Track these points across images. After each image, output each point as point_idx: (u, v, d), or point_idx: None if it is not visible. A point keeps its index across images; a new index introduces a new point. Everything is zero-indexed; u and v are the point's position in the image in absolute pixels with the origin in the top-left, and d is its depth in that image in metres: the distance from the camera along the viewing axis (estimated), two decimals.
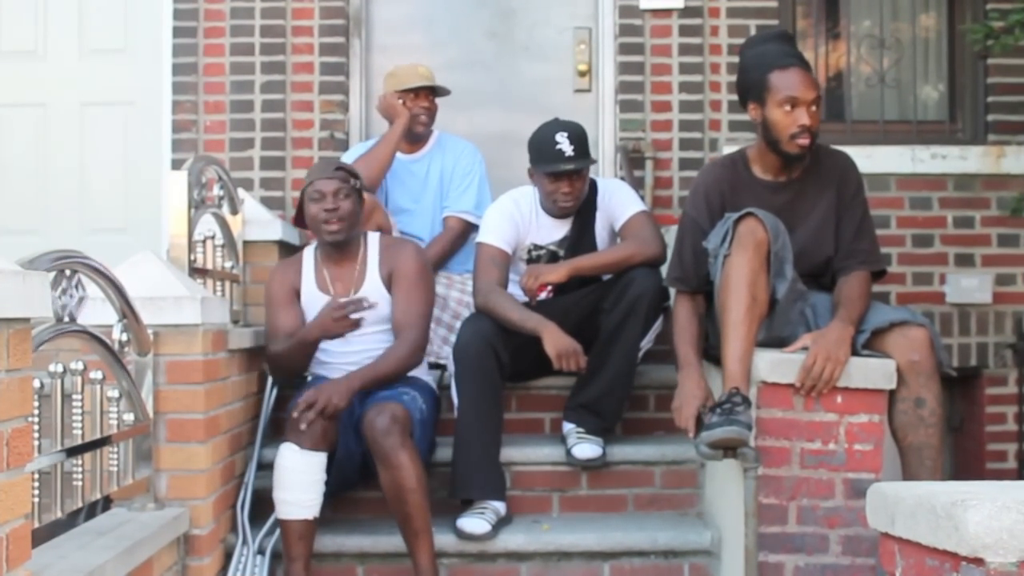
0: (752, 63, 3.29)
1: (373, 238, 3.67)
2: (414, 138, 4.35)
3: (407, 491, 3.22)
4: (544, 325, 3.55)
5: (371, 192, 4.21)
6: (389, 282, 3.57)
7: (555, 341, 3.51)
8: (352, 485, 3.51)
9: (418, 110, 4.29)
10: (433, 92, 4.34)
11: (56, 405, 2.44)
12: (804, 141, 3.19)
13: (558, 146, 3.67)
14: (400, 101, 4.28)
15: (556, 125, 3.76)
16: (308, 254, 3.69)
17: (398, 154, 4.35)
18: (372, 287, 3.57)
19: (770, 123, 3.22)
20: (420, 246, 3.81)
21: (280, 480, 3.29)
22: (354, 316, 3.50)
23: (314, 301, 3.59)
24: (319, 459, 3.29)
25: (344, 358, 3.55)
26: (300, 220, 3.66)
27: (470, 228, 4.24)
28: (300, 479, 3.27)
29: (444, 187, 4.34)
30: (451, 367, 3.65)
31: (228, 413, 3.36)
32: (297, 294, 3.62)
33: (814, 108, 3.19)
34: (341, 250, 3.59)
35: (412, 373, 3.55)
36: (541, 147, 3.72)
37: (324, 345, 3.58)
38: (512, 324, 3.58)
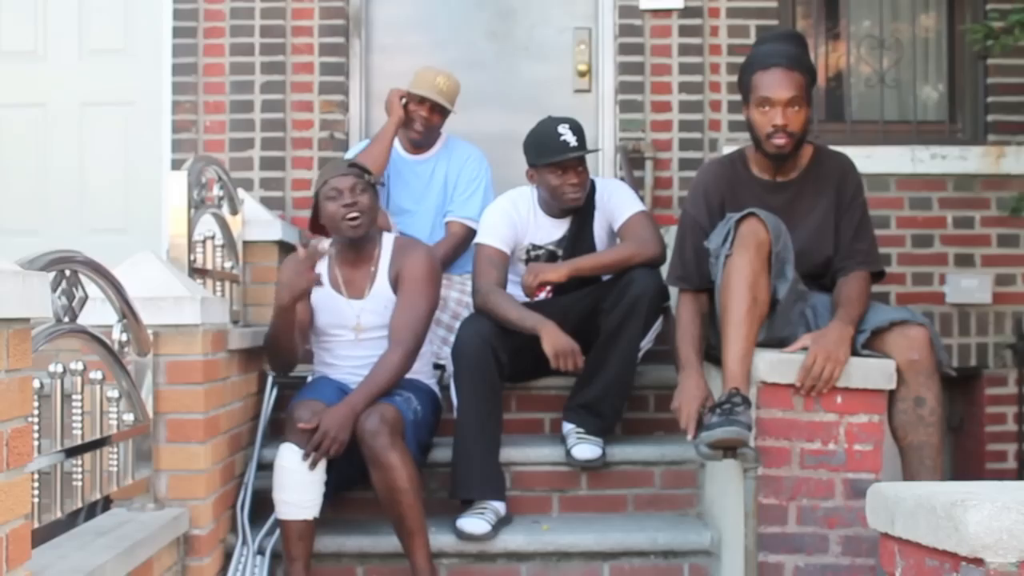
0: (746, 63, 3.30)
1: (388, 240, 3.62)
2: (418, 140, 4.33)
3: (398, 491, 3.22)
4: (543, 324, 3.54)
5: None
6: (396, 284, 3.54)
7: (553, 340, 3.51)
8: (353, 483, 3.49)
9: (416, 116, 4.27)
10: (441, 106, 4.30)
11: (56, 405, 2.44)
12: (779, 141, 3.19)
13: (562, 137, 3.68)
14: (403, 101, 4.27)
15: (554, 120, 3.76)
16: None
17: (404, 154, 4.35)
18: (381, 290, 3.54)
19: (751, 123, 3.24)
20: (432, 249, 3.72)
21: (280, 481, 3.28)
22: (314, 251, 3.37)
23: (326, 300, 3.56)
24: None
25: (351, 361, 3.54)
26: (316, 224, 3.59)
27: (472, 234, 4.22)
28: (300, 480, 3.26)
29: (448, 191, 4.32)
30: (450, 367, 3.65)
31: (228, 413, 3.36)
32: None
33: (795, 108, 3.17)
34: (358, 250, 3.55)
35: (413, 375, 3.53)
36: (544, 142, 3.71)
37: (331, 347, 3.57)
38: (511, 323, 3.58)
